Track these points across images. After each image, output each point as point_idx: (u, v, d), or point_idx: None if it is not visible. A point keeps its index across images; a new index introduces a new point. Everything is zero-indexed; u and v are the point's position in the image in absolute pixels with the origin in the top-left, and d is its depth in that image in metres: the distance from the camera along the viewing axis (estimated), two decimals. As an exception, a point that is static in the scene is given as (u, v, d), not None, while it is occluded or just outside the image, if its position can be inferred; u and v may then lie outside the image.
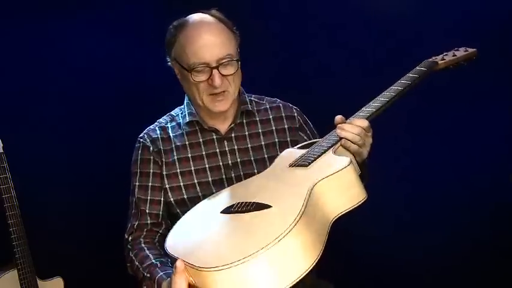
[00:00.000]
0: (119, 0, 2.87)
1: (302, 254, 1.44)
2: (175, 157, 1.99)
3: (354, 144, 1.76)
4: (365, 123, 1.77)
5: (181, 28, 1.93)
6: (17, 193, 2.49)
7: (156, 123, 2.08)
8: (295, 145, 2.03)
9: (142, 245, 1.94)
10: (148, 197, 1.99)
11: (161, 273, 1.77)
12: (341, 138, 1.76)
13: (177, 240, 1.60)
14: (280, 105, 2.11)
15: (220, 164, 1.99)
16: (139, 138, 2.05)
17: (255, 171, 1.98)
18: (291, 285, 1.42)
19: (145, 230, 1.98)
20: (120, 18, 2.89)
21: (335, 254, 2.49)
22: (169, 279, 1.64)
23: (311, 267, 1.45)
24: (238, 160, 1.99)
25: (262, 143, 2.03)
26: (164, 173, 1.99)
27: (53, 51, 2.83)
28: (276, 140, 2.04)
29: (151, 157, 2.00)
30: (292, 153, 1.85)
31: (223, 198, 1.74)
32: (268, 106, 2.10)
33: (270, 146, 2.03)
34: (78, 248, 2.84)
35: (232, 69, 1.90)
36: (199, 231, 1.61)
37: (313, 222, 1.51)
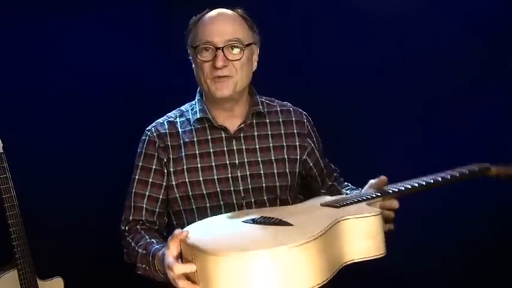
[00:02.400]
0: (118, 0, 2.87)
1: (306, 271, 1.45)
2: (183, 153, 1.99)
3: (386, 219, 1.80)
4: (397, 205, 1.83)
5: (201, 17, 1.96)
6: (17, 193, 2.48)
7: (165, 117, 2.07)
8: (303, 150, 2.05)
9: (139, 230, 1.96)
10: (147, 193, 1.99)
11: (156, 246, 1.81)
12: (379, 197, 1.80)
13: (194, 231, 1.62)
14: (291, 109, 2.12)
15: (227, 162, 1.98)
16: (146, 131, 2.04)
17: (262, 172, 1.98)
18: None
19: (140, 222, 1.99)
20: (120, 18, 2.89)
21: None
22: (163, 248, 1.68)
23: None
24: (246, 160, 1.98)
25: (271, 144, 2.03)
26: (171, 169, 1.98)
27: (53, 51, 2.83)
28: (284, 143, 2.05)
29: (156, 153, 2.00)
30: (326, 198, 1.92)
31: (248, 212, 1.80)
32: (278, 109, 2.10)
33: (277, 149, 2.03)
34: (78, 248, 2.84)
35: (238, 54, 1.90)
36: (217, 229, 1.67)
37: (326, 251, 1.52)
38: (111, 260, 2.78)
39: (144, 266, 1.84)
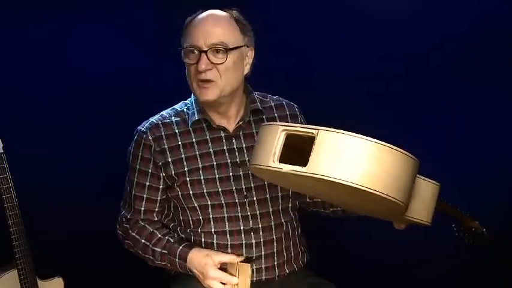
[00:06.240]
0: (119, 1, 2.87)
1: (394, 175, 1.52)
2: (183, 155, 1.98)
3: None
4: None
5: (193, 18, 1.96)
6: (17, 193, 2.48)
7: (158, 116, 2.05)
8: None
9: (143, 225, 2.02)
10: (145, 195, 2.01)
11: (181, 247, 1.92)
12: None
13: None
14: (284, 103, 2.12)
15: (228, 161, 1.98)
16: (140, 133, 2.01)
17: None
18: (361, 187, 1.49)
19: (139, 221, 2.03)
20: (120, 18, 2.89)
21: (337, 253, 2.50)
22: (205, 259, 1.88)
23: (386, 196, 1.51)
24: (246, 158, 1.98)
25: None
26: (172, 172, 1.98)
27: (53, 51, 2.82)
28: None
29: (152, 157, 1.99)
30: None
31: None
32: (272, 104, 2.10)
33: None
34: (78, 248, 2.83)
35: (222, 58, 1.89)
36: None
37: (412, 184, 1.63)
38: (111, 260, 2.79)
39: (164, 263, 1.96)
